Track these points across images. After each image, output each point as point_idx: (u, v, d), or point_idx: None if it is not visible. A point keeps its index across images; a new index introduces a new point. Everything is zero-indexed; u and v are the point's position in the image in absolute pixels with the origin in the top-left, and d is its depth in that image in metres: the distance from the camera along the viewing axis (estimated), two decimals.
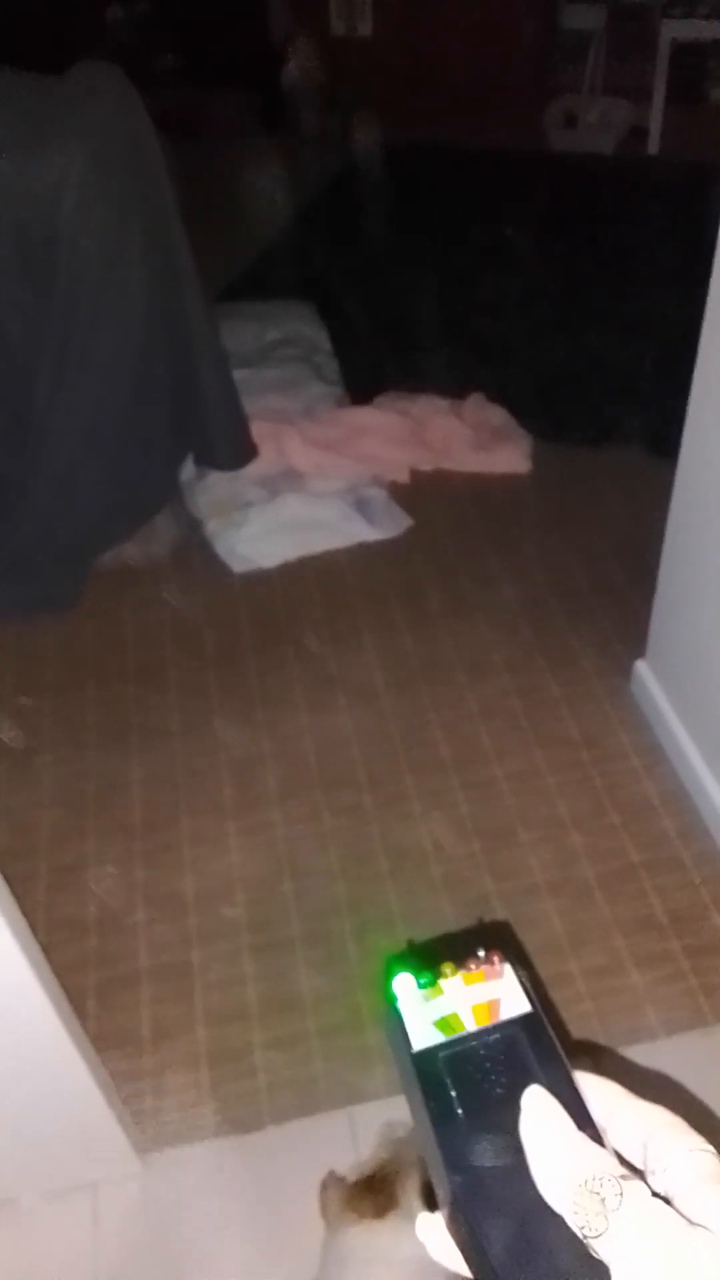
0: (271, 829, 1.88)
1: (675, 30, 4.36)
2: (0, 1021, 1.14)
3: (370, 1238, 1.16)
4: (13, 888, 1.07)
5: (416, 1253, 1.12)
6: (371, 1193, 1.18)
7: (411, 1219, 1.13)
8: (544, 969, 1.64)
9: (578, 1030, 1.57)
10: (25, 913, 1.09)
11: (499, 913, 1.73)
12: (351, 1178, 1.26)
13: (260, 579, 2.45)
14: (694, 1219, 0.31)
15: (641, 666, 2.06)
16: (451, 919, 1.72)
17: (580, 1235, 0.32)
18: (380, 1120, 1.35)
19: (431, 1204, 0.38)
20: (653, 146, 4.58)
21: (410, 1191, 1.16)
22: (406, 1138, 1.26)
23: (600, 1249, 0.31)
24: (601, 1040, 1.55)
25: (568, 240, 3.78)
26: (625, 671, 2.11)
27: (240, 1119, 1.49)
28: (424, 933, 1.70)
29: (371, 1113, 1.46)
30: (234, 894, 1.78)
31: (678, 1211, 0.32)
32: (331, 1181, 1.31)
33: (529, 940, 1.69)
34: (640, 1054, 1.53)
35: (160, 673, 2.22)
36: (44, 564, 2.36)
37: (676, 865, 1.78)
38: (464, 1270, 0.35)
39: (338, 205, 4.29)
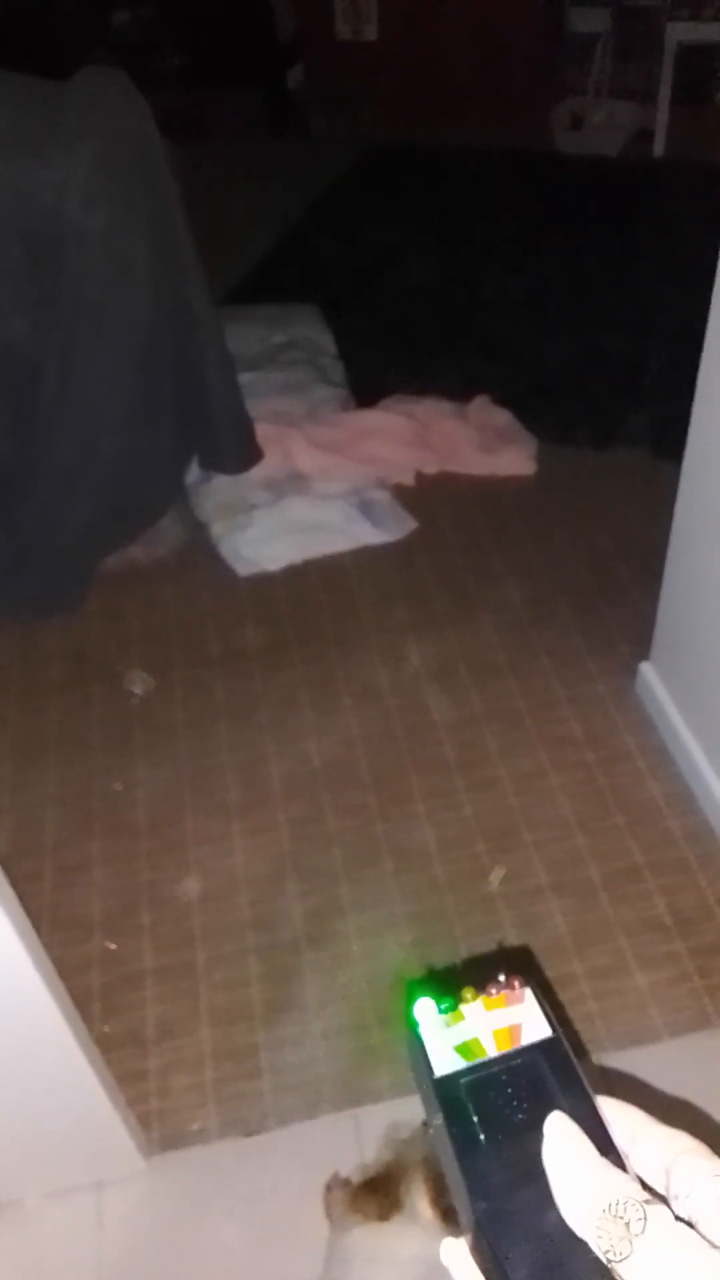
0: (276, 829, 1.88)
1: (681, 33, 4.35)
2: (4, 1022, 1.14)
3: (374, 1239, 1.16)
4: (18, 888, 1.07)
5: (420, 1254, 1.12)
6: (375, 1194, 1.18)
7: (415, 1221, 1.13)
8: (548, 970, 1.64)
9: (582, 1031, 1.56)
10: (30, 913, 1.09)
11: (503, 913, 1.73)
12: (356, 1179, 1.26)
13: (265, 581, 2.45)
14: (718, 1243, 0.31)
15: (646, 668, 2.06)
16: (456, 919, 1.72)
17: (605, 1260, 0.32)
18: (384, 1122, 1.35)
19: (450, 1213, 0.38)
20: (658, 148, 4.58)
21: (414, 1193, 1.15)
22: (410, 1139, 1.26)
23: (625, 1274, 0.31)
24: (605, 1041, 1.55)
25: (573, 242, 3.78)
26: (630, 673, 2.10)
27: (244, 1120, 1.49)
28: (427, 933, 1.71)
29: (376, 1114, 1.46)
30: (238, 895, 1.78)
31: (701, 1236, 0.32)
32: (336, 1183, 1.31)
33: (533, 941, 1.69)
34: (644, 1056, 1.53)
35: (165, 674, 2.22)
36: (48, 565, 2.36)
37: (681, 866, 1.78)
38: None
39: (343, 207, 4.30)
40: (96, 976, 1.67)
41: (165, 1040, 1.59)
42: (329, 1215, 1.28)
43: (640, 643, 2.08)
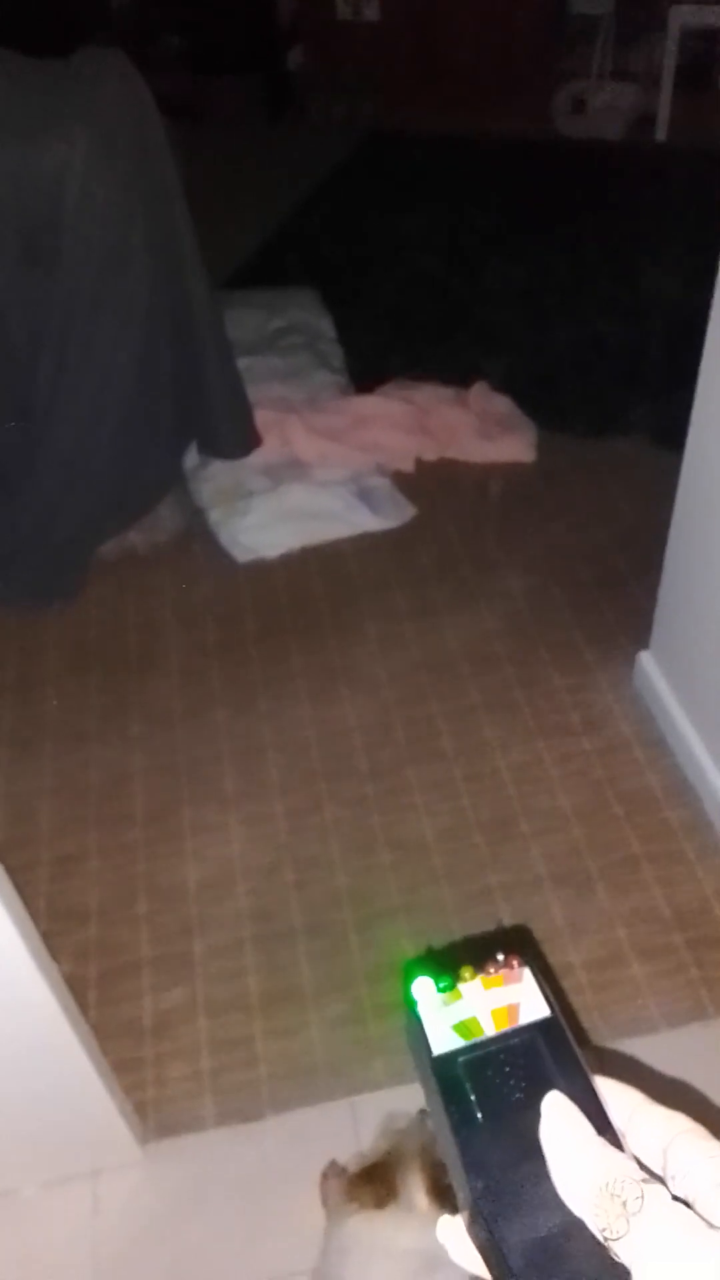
0: (273, 819, 1.88)
1: (684, 16, 4.32)
2: (1, 1011, 1.14)
3: (371, 1228, 1.16)
4: (14, 877, 1.06)
5: (417, 1243, 1.12)
6: (372, 1183, 1.18)
7: (412, 1210, 1.13)
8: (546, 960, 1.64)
9: (579, 1021, 1.56)
10: (26, 902, 1.09)
11: (501, 904, 1.73)
12: (352, 1168, 1.26)
13: (263, 569, 2.44)
14: (715, 1222, 0.32)
15: (645, 658, 2.05)
16: (453, 911, 1.72)
17: (601, 1238, 0.32)
18: (381, 1111, 1.36)
19: (446, 1202, 0.38)
20: (661, 133, 4.55)
21: (411, 1183, 1.15)
22: (407, 1128, 1.26)
23: (621, 1252, 0.32)
24: (603, 1032, 1.55)
25: (574, 227, 3.75)
26: (629, 662, 2.10)
27: (241, 1109, 1.49)
28: (425, 924, 1.70)
29: (373, 1103, 1.46)
30: (235, 884, 1.78)
31: (698, 1215, 0.32)
32: (332, 1171, 1.31)
33: (531, 931, 1.69)
34: (641, 1046, 1.53)
35: (163, 662, 2.21)
36: (46, 553, 2.35)
37: (679, 857, 1.78)
38: (484, 1273, 0.35)
39: (343, 191, 4.26)
40: (93, 966, 1.67)
41: (162, 1029, 1.59)
42: (325, 1204, 1.28)
43: (639, 632, 2.08)
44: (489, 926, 1.69)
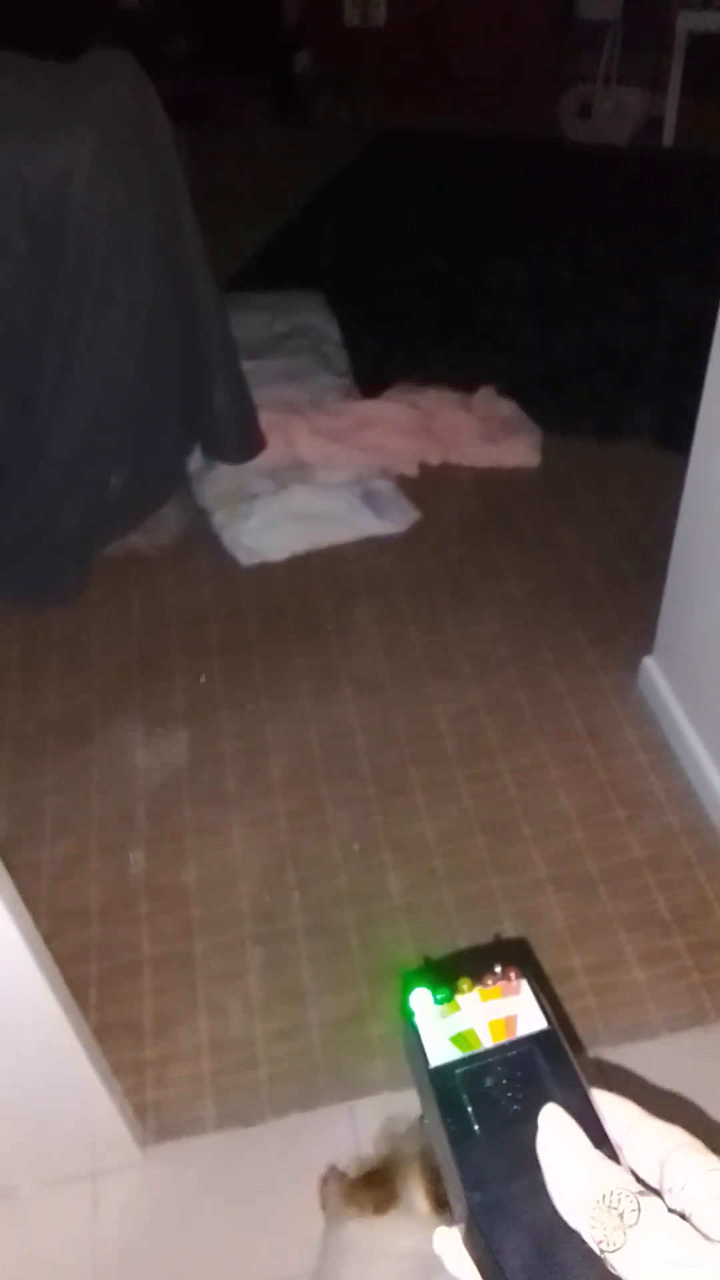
0: (275, 820, 1.88)
1: (692, 21, 4.32)
2: (1, 1011, 1.14)
3: (370, 1233, 1.15)
4: (15, 877, 1.06)
5: (416, 1248, 1.11)
6: (372, 1188, 1.18)
7: (411, 1214, 1.12)
8: (546, 964, 1.64)
9: (579, 1026, 1.56)
10: (27, 902, 1.09)
11: (501, 906, 1.72)
12: (352, 1172, 1.26)
13: (266, 571, 2.44)
14: (711, 1235, 0.32)
15: (649, 662, 2.05)
16: (454, 912, 1.72)
17: (598, 1251, 0.32)
18: (382, 1114, 1.35)
19: (446, 1207, 0.38)
20: (668, 138, 4.55)
21: (411, 1187, 1.15)
22: (407, 1133, 1.25)
23: (618, 1264, 0.32)
24: (603, 1036, 1.55)
25: (580, 231, 3.76)
26: (632, 666, 2.10)
27: (241, 1111, 1.49)
28: (426, 925, 1.70)
29: (373, 1107, 1.45)
30: (237, 885, 1.78)
31: (695, 1228, 0.32)
32: (332, 1175, 1.31)
33: (532, 935, 1.68)
34: (641, 1051, 1.53)
35: (165, 663, 2.21)
36: (50, 552, 2.35)
37: (681, 862, 1.77)
38: None
39: (349, 194, 4.27)
40: (94, 966, 1.67)
41: (162, 1030, 1.59)
42: (324, 1208, 1.28)
43: (643, 636, 2.07)
44: (490, 929, 1.69)
